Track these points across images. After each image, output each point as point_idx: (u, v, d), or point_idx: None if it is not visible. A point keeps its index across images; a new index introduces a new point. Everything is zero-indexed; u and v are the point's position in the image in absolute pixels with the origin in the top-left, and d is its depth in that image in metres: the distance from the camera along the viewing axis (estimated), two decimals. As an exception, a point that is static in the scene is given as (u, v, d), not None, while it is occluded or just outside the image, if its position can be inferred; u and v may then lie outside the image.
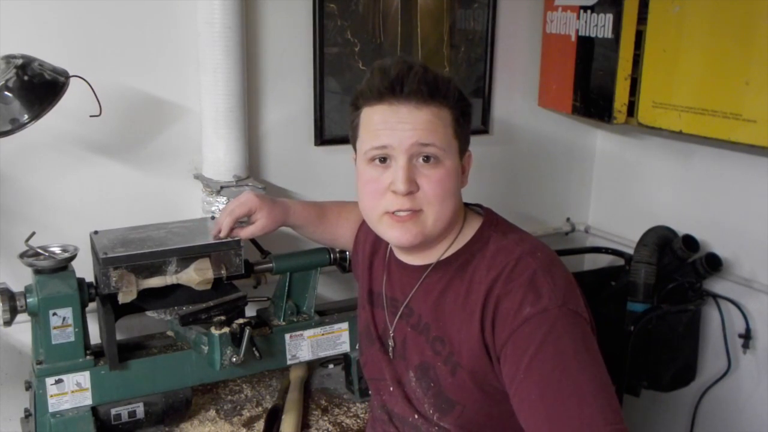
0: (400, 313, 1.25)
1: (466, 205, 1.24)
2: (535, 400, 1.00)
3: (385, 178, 1.12)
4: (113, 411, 1.46)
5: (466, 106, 1.17)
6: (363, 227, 1.43)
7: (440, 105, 1.12)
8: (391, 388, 1.27)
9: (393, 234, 1.14)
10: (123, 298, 1.40)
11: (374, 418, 1.36)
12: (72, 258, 1.44)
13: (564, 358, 1.00)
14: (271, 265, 1.61)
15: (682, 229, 2.08)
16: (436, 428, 1.19)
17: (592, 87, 2.04)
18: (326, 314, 1.71)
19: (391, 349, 1.27)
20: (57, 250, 1.46)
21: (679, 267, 2.04)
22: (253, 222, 1.48)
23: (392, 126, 1.10)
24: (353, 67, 1.97)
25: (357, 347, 1.68)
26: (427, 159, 1.11)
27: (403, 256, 1.25)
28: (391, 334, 1.27)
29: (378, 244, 1.35)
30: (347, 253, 1.66)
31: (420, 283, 1.21)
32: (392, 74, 1.10)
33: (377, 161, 1.13)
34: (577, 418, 0.96)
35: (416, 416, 1.22)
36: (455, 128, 1.14)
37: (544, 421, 0.99)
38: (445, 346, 1.15)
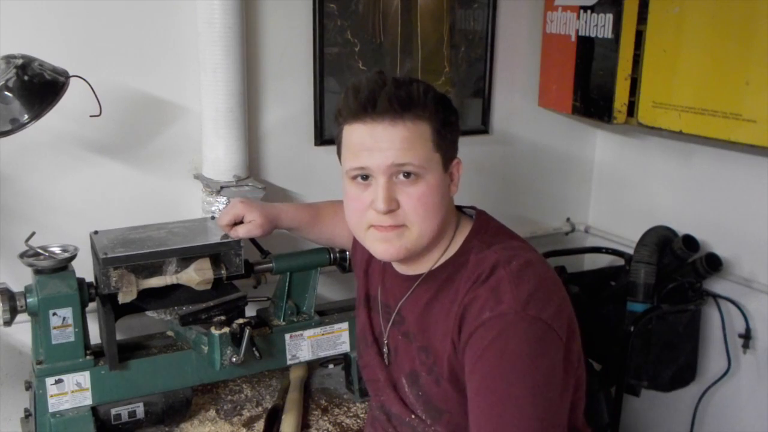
0: (392, 320, 1.26)
1: (460, 208, 1.24)
2: (472, 399, 1.03)
3: (366, 196, 1.13)
4: (113, 411, 1.46)
5: (448, 115, 1.15)
6: None
7: (416, 119, 1.11)
8: (388, 391, 1.28)
9: (378, 248, 1.16)
10: (123, 298, 1.40)
11: (373, 417, 1.37)
12: (72, 258, 1.44)
13: (506, 362, 1.01)
14: (271, 265, 1.61)
15: (682, 229, 2.08)
16: (432, 429, 1.21)
17: (592, 87, 2.04)
18: (326, 314, 1.71)
19: (386, 354, 1.29)
20: (57, 250, 1.46)
21: (679, 267, 2.03)
22: (249, 222, 1.49)
23: (369, 147, 1.10)
24: (353, 67, 1.97)
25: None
26: (407, 175, 1.11)
27: (396, 265, 1.26)
28: (385, 341, 1.28)
29: None
30: (347, 253, 1.66)
31: (411, 292, 1.21)
32: (364, 94, 1.10)
33: (359, 179, 1.14)
34: (498, 420, 0.98)
35: (413, 416, 1.24)
36: (436, 141, 1.13)
37: (474, 420, 1.02)
38: (429, 356, 1.17)
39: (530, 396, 0.99)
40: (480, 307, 1.06)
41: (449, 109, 1.16)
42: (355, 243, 1.46)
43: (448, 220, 1.18)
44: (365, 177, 1.13)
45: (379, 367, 1.29)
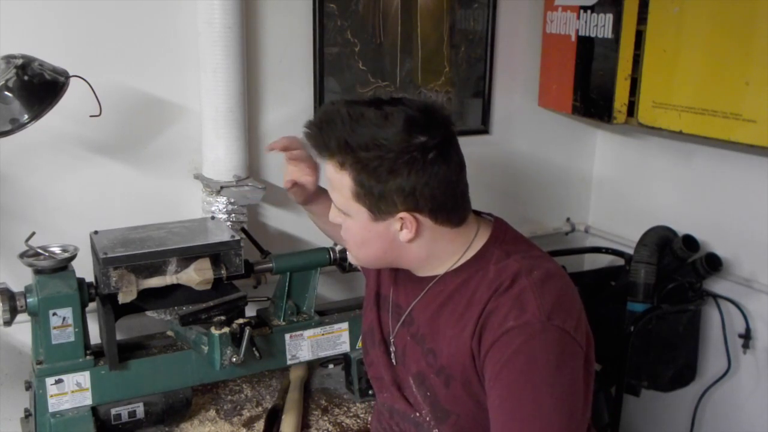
0: (402, 320, 1.25)
1: (479, 214, 1.24)
2: (497, 407, 1.03)
3: None
4: (113, 411, 1.46)
5: (376, 165, 1.06)
6: None
7: (338, 166, 1.10)
8: (392, 389, 1.28)
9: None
10: (123, 298, 1.40)
11: (378, 411, 1.38)
12: (72, 258, 1.44)
13: (531, 371, 1.01)
14: (271, 265, 1.61)
15: (682, 229, 2.08)
16: (436, 430, 1.21)
17: (592, 87, 2.04)
18: (326, 314, 1.71)
19: (393, 354, 1.28)
20: (57, 250, 1.46)
21: (679, 267, 2.03)
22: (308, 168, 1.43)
23: None
24: (353, 67, 1.97)
25: (357, 347, 1.68)
26: None
27: None
28: (392, 340, 1.28)
29: None
30: (347, 252, 1.66)
31: (424, 293, 1.21)
32: (312, 119, 1.13)
33: None
34: (526, 429, 0.99)
35: (417, 414, 1.24)
36: (357, 193, 1.09)
37: (498, 429, 1.02)
38: (437, 359, 1.17)
39: (556, 405, 1.00)
40: (503, 315, 1.06)
41: (382, 157, 1.05)
42: None
43: (409, 252, 1.16)
44: None
45: (384, 366, 1.29)
